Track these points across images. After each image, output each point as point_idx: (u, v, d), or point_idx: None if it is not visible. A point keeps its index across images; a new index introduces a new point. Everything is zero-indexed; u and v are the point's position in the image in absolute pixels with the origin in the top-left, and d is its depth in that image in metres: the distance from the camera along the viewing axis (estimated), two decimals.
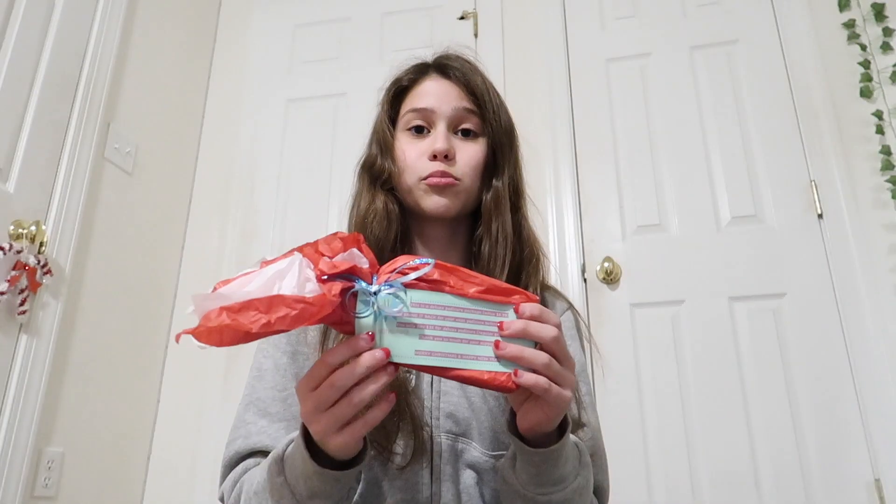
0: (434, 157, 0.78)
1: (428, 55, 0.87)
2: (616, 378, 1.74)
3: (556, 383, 0.56)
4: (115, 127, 1.87)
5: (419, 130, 0.82)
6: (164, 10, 2.14)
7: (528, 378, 0.54)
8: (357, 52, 2.29)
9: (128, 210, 1.90)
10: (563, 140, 1.98)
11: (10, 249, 1.46)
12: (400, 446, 0.70)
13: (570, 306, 0.87)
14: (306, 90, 2.28)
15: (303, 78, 2.30)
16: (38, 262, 1.53)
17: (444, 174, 0.78)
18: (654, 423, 1.69)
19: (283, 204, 2.15)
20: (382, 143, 0.84)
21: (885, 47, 1.82)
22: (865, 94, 1.80)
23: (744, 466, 1.60)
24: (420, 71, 0.86)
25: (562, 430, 0.62)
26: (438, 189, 0.78)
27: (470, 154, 0.80)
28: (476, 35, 2.18)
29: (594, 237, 1.89)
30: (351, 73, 2.27)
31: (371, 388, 0.52)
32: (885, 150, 1.73)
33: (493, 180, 0.81)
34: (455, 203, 0.79)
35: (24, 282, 1.49)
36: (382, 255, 0.76)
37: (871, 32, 1.85)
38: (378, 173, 0.82)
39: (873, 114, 1.77)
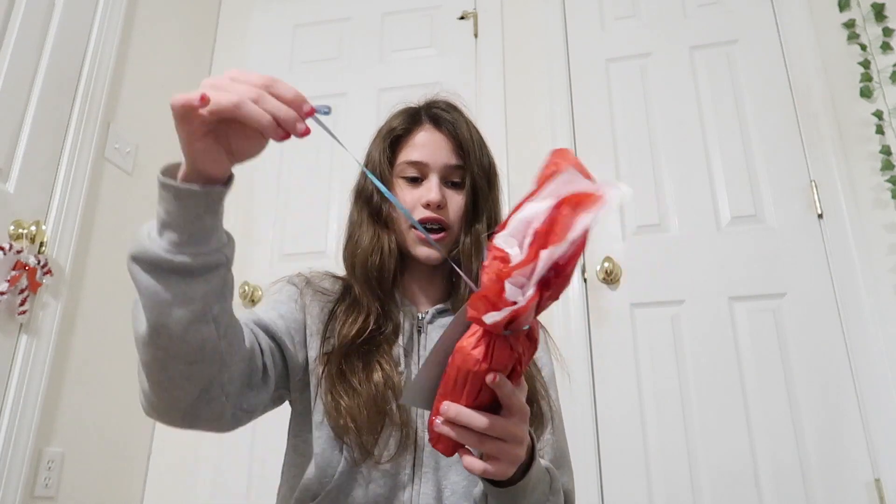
0: (427, 206, 0.89)
1: (419, 100, 0.98)
2: (616, 378, 1.74)
3: (504, 440, 0.57)
4: (115, 127, 1.87)
5: (413, 180, 0.92)
6: (164, 10, 2.14)
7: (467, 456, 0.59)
8: (357, 52, 2.29)
9: (128, 210, 1.90)
10: (563, 140, 1.98)
11: (10, 249, 1.46)
12: (385, 441, 0.76)
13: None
14: (306, 90, 2.19)
15: (303, 78, 2.30)
16: (38, 262, 1.53)
17: (435, 221, 0.88)
18: (654, 422, 1.68)
19: (283, 204, 2.15)
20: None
21: (885, 47, 1.82)
22: (865, 94, 1.80)
23: (744, 466, 1.60)
24: (414, 120, 0.95)
25: (529, 458, 0.66)
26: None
27: (458, 204, 0.91)
28: (476, 35, 2.18)
29: (594, 237, 1.87)
30: (351, 73, 2.27)
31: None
32: (885, 150, 1.73)
33: (476, 223, 0.91)
34: (444, 250, 0.89)
35: (24, 282, 1.50)
36: (381, 287, 0.87)
37: (871, 32, 1.85)
38: (377, 211, 0.92)
39: (873, 114, 1.77)
